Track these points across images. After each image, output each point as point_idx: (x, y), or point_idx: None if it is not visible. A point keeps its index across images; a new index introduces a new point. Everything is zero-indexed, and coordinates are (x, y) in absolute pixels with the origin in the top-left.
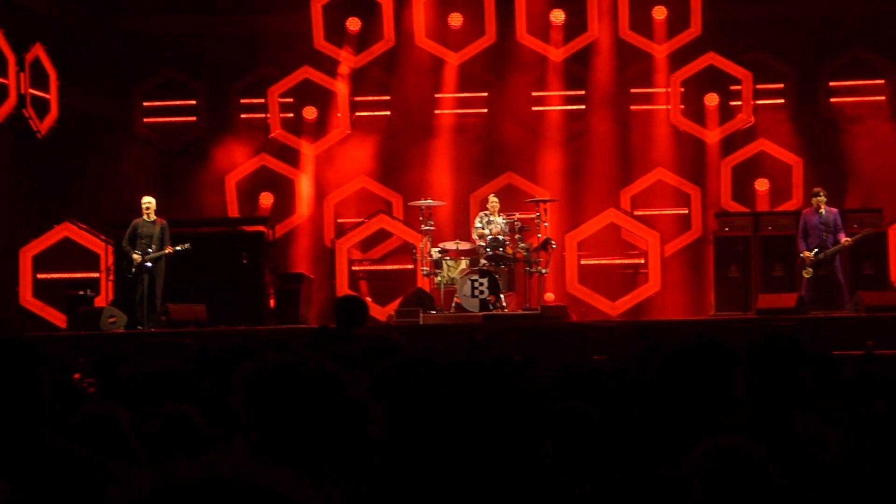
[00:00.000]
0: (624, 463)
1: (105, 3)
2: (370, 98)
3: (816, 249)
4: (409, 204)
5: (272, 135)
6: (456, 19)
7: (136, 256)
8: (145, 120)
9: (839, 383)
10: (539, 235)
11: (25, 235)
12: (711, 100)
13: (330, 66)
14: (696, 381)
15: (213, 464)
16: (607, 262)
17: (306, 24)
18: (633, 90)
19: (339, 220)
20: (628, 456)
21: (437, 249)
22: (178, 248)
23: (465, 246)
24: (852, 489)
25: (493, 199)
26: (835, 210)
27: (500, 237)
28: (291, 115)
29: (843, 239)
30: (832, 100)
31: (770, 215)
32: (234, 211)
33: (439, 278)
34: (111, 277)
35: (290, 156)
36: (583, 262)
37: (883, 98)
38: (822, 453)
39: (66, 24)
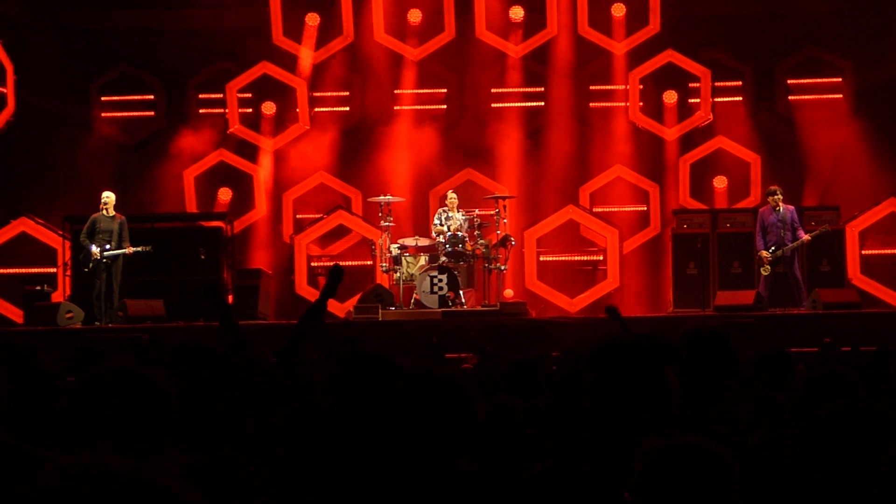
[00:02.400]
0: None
1: None
2: (329, 94)
3: (774, 247)
4: (369, 200)
5: (230, 130)
6: (415, 15)
7: (95, 251)
8: (102, 115)
9: (793, 380)
10: (498, 232)
11: None
12: (670, 97)
13: (289, 62)
14: (628, 376)
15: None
16: (566, 258)
17: (265, 19)
18: (592, 87)
19: (297, 216)
20: (569, 449)
21: (396, 246)
22: (138, 249)
23: (424, 242)
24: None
25: (451, 195)
26: (791, 208)
27: (459, 234)
28: (250, 110)
29: (803, 236)
30: (790, 97)
31: (728, 212)
32: (192, 206)
33: (398, 275)
34: (68, 273)
35: (249, 151)
36: (542, 258)
37: (840, 96)
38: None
39: (22, 19)
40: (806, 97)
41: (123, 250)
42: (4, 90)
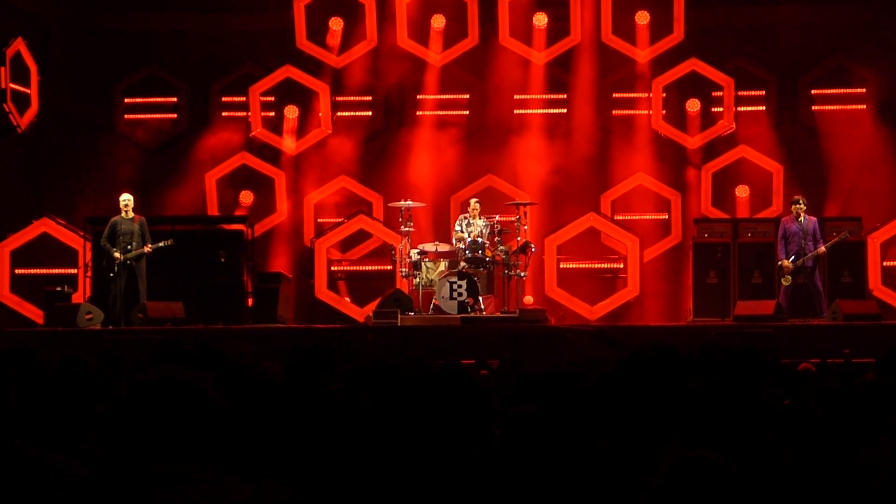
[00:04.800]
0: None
1: (86, 0)
2: (352, 98)
3: (794, 257)
4: (389, 205)
5: (253, 133)
6: (439, 21)
7: (118, 255)
8: (126, 117)
9: (811, 393)
10: (518, 238)
11: (4, 230)
12: (693, 106)
13: (312, 66)
14: (647, 387)
15: None
16: (586, 266)
17: (289, 24)
18: (614, 95)
19: (318, 220)
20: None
21: (416, 251)
22: (160, 244)
23: (444, 248)
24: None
25: (474, 202)
26: (814, 219)
27: (480, 240)
28: (273, 113)
29: (820, 248)
30: (813, 108)
31: (750, 222)
32: (213, 209)
33: (418, 280)
34: (89, 274)
35: (271, 154)
36: (562, 265)
37: (864, 107)
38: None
39: (48, 20)
40: (829, 107)
41: (142, 250)
42: (28, 91)
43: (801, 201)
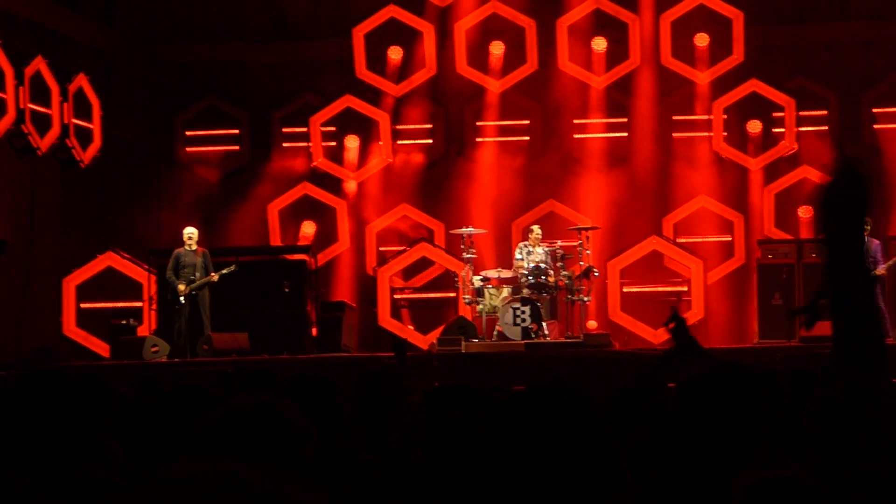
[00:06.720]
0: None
1: (147, 32)
2: (412, 126)
3: None
4: (451, 232)
5: (314, 163)
6: (497, 47)
7: (182, 287)
8: (187, 149)
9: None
10: (581, 263)
11: (69, 265)
12: (754, 127)
13: (372, 95)
14: (719, 409)
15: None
16: (650, 289)
17: (348, 53)
18: (675, 117)
19: (380, 249)
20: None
21: (478, 277)
22: (224, 271)
23: (506, 274)
24: None
25: (536, 230)
26: (877, 242)
27: (542, 265)
28: (334, 143)
29: (879, 269)
30: (875, 126)
31: (814, 242)
32: (276, 239)
33: (481, 307)
34: (154, 307)
35: (333, 184)
36: (625, 289)
37: None
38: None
39: (109, 54)
40: (892, 126)
41: (209, 278)
42: (91, 126)
43: (868, 224)
